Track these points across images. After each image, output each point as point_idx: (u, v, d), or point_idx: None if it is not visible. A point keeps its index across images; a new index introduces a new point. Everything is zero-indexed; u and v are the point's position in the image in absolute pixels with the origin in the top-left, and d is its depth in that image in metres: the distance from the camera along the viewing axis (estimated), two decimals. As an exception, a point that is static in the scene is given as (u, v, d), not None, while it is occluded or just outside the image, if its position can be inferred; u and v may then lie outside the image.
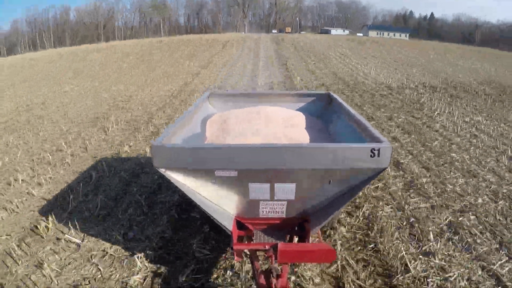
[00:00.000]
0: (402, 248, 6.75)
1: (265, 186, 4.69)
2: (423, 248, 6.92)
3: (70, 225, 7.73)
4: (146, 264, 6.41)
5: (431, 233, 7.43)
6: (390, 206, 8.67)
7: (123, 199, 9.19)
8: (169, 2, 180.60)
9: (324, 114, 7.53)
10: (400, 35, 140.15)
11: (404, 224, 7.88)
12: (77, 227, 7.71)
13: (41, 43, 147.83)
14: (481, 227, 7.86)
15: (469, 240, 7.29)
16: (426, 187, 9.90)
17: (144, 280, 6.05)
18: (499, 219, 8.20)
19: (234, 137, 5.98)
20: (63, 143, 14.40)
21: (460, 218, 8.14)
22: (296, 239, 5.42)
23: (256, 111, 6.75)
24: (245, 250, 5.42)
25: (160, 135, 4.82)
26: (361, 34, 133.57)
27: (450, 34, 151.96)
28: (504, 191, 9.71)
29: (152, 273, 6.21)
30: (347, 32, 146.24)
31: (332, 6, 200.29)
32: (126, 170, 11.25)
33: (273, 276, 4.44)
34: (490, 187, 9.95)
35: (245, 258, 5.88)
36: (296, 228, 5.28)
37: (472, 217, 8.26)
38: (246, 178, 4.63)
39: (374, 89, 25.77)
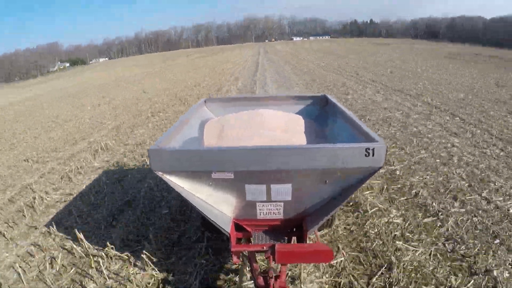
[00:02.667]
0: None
1: (261, 188, 3.02)
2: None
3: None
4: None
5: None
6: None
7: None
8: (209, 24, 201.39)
9: (320, 116, 5.12)
10: (326, 37, 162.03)
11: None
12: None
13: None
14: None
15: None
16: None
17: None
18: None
19: (231, 142, 4.02)
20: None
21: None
22: (294, 239, 3.57)
23: (253, 116, 4.63)
24: (244, 252, 3.63)
25: (157, 140, 3.16)
26: (306, 39, 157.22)
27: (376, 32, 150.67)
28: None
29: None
30: (301, 38, 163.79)
31: (304, 21, 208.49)
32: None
33: (271, 277, 2.88)
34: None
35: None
36: (294, 229, 3.48)
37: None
38: (243, 179, 2.98)
39: (286, 54, 43.34)
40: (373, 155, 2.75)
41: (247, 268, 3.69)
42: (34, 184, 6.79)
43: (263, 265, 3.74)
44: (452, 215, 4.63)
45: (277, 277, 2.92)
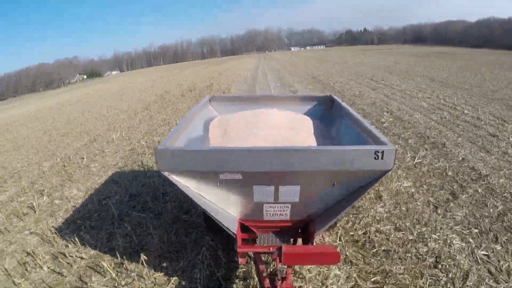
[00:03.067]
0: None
1: (269, 189, 2.75)
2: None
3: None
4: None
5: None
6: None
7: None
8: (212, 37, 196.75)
9: (326, 116, 4.61)
10: (321, 47, 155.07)
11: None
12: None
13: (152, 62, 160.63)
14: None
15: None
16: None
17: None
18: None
19: (237, 141, 3.70)
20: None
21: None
22: (300, 241, 3.27)
23: (259, 115, 4.24)
24: (250, 253, 3.31)
25: (164, 139, 2.87)
26: (303, 48, 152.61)
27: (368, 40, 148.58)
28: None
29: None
30: (298, 48, 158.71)
31: (302, 32, 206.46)
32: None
33: (277, 279, 2.66)
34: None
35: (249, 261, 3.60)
36: (300, 230, 3.18)
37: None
38: (251, 180, 2.71)
39: (284, 62, 42.68)
40: (382, 158, 2.49)
41: (253, 269, 3.39)
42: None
43: (271, 265, 3.44)
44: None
45: (283, 279, 2.66)
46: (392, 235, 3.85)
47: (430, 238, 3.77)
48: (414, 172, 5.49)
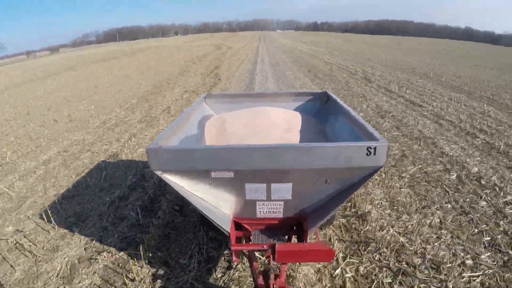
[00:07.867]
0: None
1: (261, 187, 1.21)
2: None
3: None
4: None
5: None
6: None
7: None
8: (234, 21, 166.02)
9: (321, 113, 2.20)
10: (292, 31, 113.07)
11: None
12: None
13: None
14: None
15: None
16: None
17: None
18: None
19: (233, 140, 1.85)
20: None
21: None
22: (294, 238, 1.67)
23: (255, 113, 1.96)
24: (244, 251, 1.70)
25: (156, 138, 1.17)
26: (281, 31, 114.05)
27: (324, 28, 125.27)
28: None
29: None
30: (281, 31, 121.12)
31: (286, 21, 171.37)
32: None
33: (271, 276, 1.20)
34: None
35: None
36: (294, 228, 1.61)
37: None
38: (242, 178, 1.16)
39: (269, 34, 45.04)
40: (374, 154, 1.19)
41: (245, 266, 1.83)
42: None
43: (263, 262, 1.81)
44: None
45: (277, 276, 1.32)
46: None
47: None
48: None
